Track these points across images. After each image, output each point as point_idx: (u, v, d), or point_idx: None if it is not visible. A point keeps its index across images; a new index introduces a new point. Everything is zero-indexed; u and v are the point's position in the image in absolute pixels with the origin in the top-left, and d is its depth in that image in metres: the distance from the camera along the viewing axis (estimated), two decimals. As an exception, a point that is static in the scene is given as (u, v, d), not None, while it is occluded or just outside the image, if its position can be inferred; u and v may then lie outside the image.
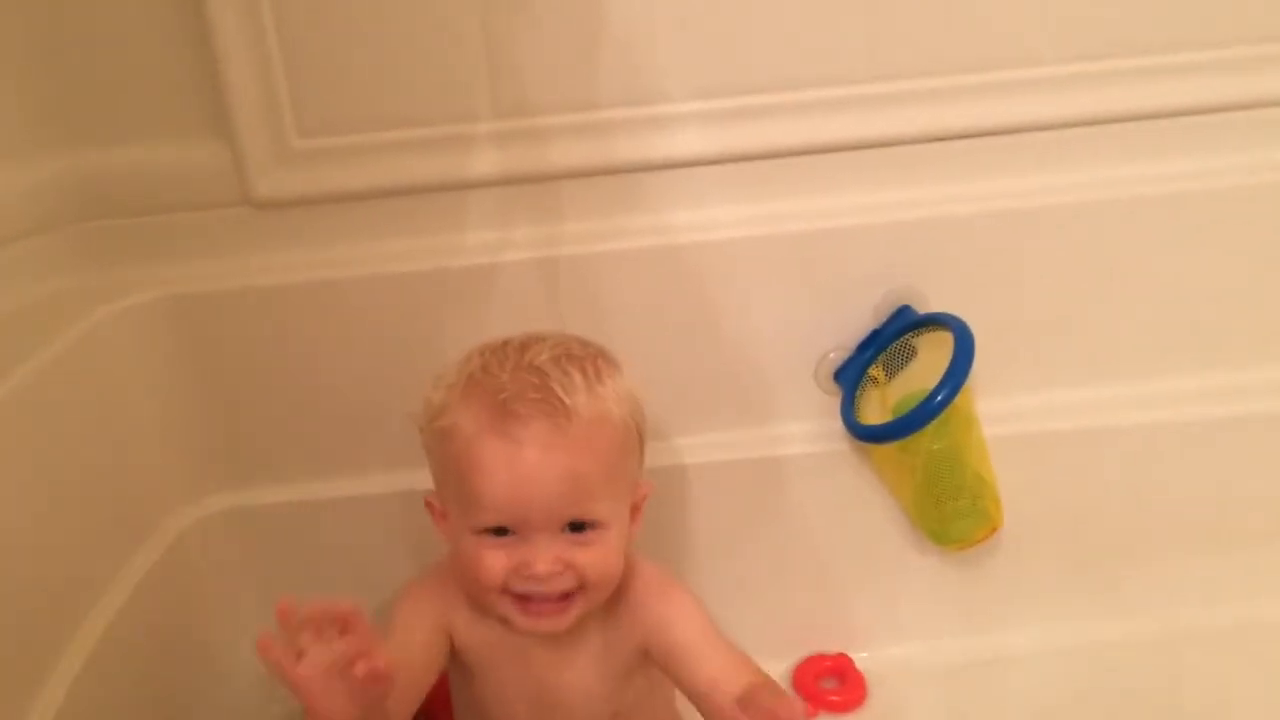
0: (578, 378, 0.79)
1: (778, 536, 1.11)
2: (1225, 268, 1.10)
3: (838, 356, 1.09)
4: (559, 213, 1.05)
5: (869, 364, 1.07)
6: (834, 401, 1.09)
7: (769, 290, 1.06)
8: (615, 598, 0.86)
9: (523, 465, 0.76)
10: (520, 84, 1.00)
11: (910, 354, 1.06)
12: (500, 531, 0.78)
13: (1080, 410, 1.11)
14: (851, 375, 1.08)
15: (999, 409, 1.07)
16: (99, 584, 0.92)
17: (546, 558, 0.77)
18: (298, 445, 1.07)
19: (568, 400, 0.77)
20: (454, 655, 0.88)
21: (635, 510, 0.85)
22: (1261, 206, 1.08)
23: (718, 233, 1.05)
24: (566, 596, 0.79)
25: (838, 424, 1.08)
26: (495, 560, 0.78)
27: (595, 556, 0.79)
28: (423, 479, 1.03)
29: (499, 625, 0.84)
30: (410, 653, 0.82)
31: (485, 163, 1.02)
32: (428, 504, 0.86)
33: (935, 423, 0.98)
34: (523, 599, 0.79)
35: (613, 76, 1.01)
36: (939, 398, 0.97)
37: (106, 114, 1.00)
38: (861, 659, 1.15)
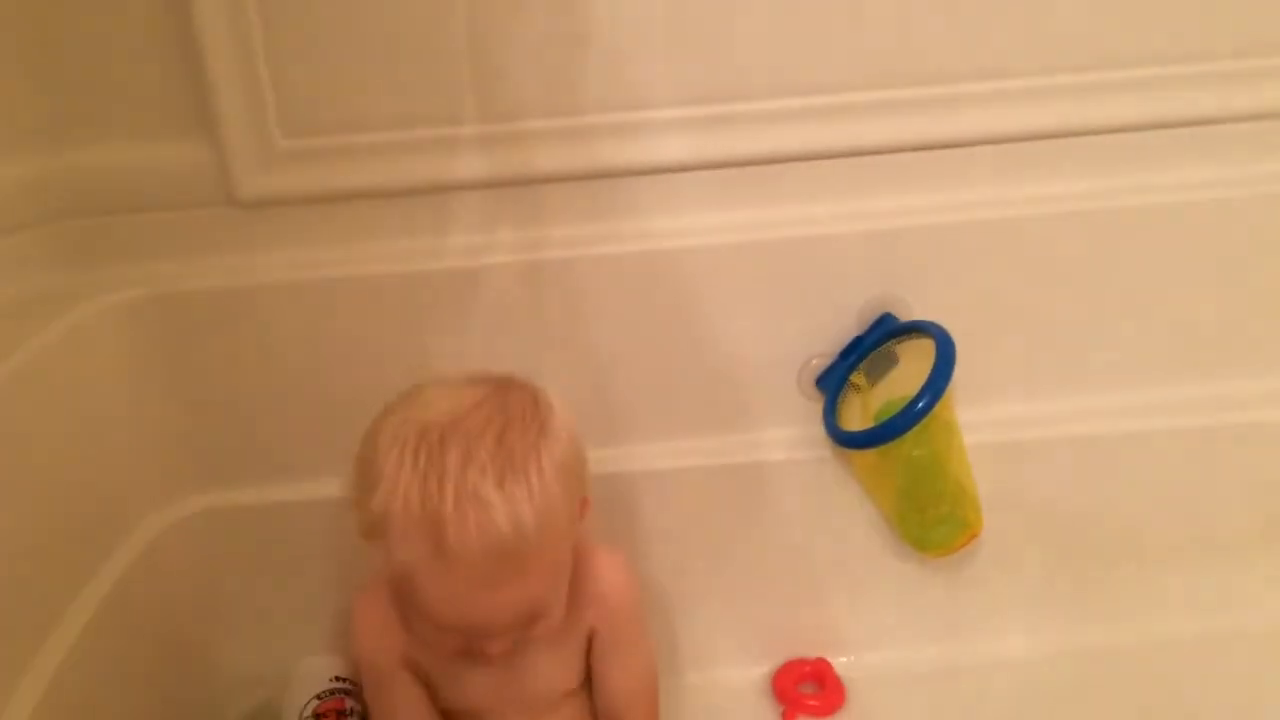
0: (520, 490, 0.75)
1: (759, 542, 1.11)
2: (1206, 279, 1.11)
3: (820, 363, 1.09)
4: (542, 217, 1.05)
5: (851, 370, 1.07)
6: (816, 408, 1.10)
7: (752, 296, 1.06)
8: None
9: (472, 607, 0.76)
10: (505, 88, 1.00)
11: (892, 361, 1.06)
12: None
13: (1061, 419, 1.12)
14: (834, 382, 1.08)
15: (980, 417, 1.08)
16: (76, 583, 0.92)
17: (500, 644, 0.80)
18: (277, 446, 1.07)
19: (510, 531, 0.74)
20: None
21: (580, 514, 0.84)
22: (1246, 219, 1.09)
23: (701, 238, 1.05)
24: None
25: (819, 430, 1.08)
26: (450, 641, 0.80)
27: (542, 628, 0.82)
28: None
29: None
30: (412, 705, 0.90)
31: (469, 166, 1.02)
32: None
33: (916, 429, 0.98)
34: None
35: (598, 81, 1.01)
36: (920, 404, 0.97)
37: (90, 112, 0.99)
38: (841, 664, 1.15)
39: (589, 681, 0.96)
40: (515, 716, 0.93)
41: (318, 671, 1.07)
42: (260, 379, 1.04)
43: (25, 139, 0.98)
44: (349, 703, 1.04)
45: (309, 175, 1.01)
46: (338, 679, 1.06)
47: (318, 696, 1.04)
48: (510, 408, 0.80)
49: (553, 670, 0.92)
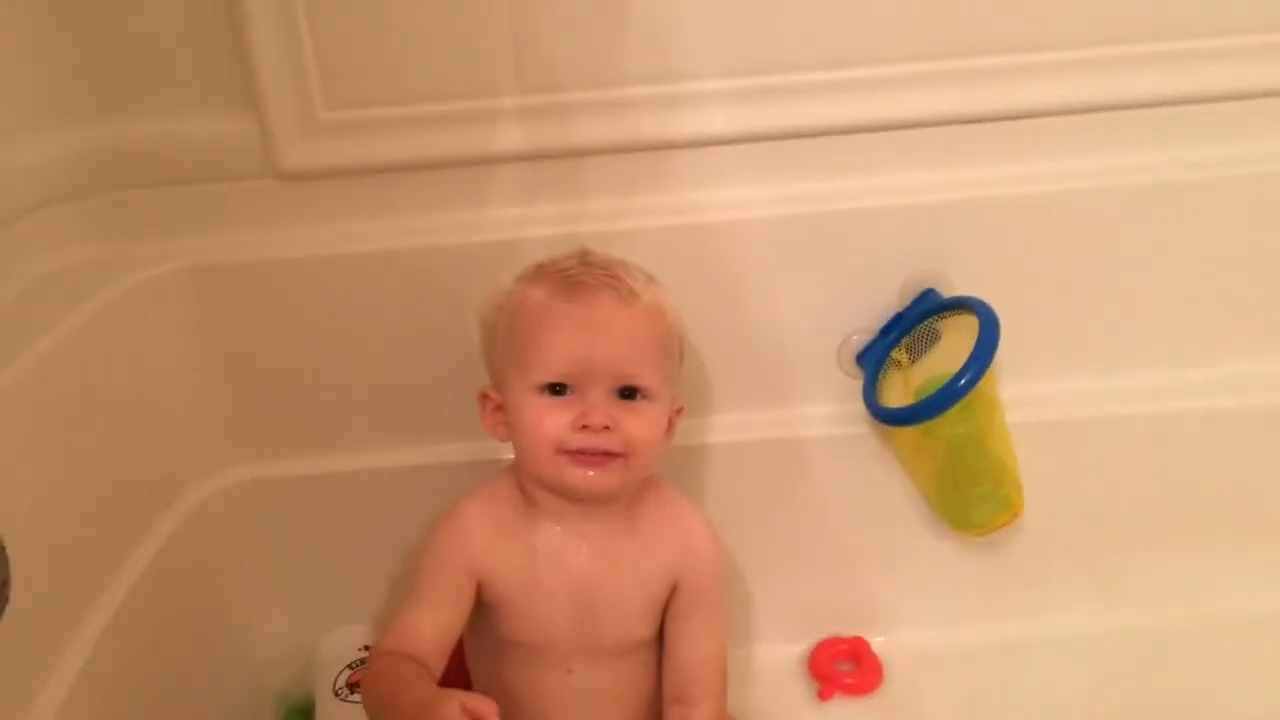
0: (639, 274, 0.89)
1: (797, 518, 1.11)
2: (1255, 256, 1.09)
3: (861, 339, 1.09)
4: (582, 189, 1.05)
5: (892, 347, 1.07)
6: (856, 384, 1.09)
7: (792, 271, 1.06)
8: (643, 506, 0.92)
9: (590, 321, 0.85)
10: (546, 59, 1.00)
11: (934, 338, 1.05)
12: (559, 390, 0.85)
13: (1105, 398, 1.11)
14: (874, 358, 1.08)
15: (1023, 394, 1.06)
16: (120, 552, 0.93)
17: (601, 411, 0.84)
18: (319, 417, 1.07)
19: (630, 283, 0.87)
20: (486, 599, 0.90)
21: (670, 425, 0.91)
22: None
23: (742, 212, 1.04)
24: (610, 457, 0.85)
25: (859, 407, 1.07)
26: (554, 416, 0.84)
27: (641, 424, 0.85)
28: (442, 453, 1.04)
29: (535, 537, 0.90)
30: (443, 616, 0.88)
31: (510, 138, 1.02)
32: (482, 396, 0.91)
33: (958, 407, 0.97)
34: (574, 454, 0.84)
35: (639, 53, 1.00)
36: (963, 381, 0.96)
37: (134, 84, 1.00)
38: (878, 643, 1.15)
39: (658, 644, 0.95)
40: (578, 660, 0.92)
41: (345, 642, 1.08)
42: (302, 351, 1.05)
43: (70, 112, 0.98)
44: (380, 668, 1.05)
45: (351, 147, 1.01)
46: (365, 647, 1.07)
47: (349, 666, 1.05)
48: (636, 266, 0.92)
49: (629, 609, 0.92)
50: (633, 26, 0.99)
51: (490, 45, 0.99)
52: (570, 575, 0.90)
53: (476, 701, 0.69)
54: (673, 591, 0.93)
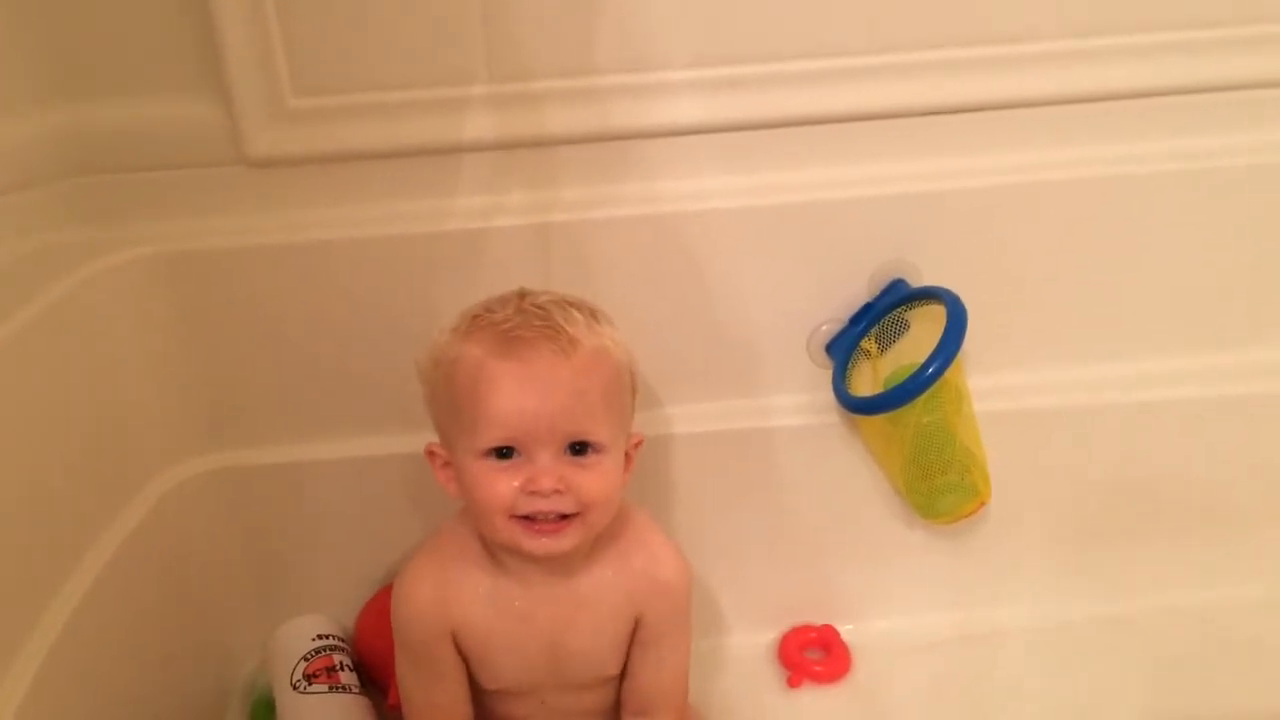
0: (578, 315, 0.83)
1: (767, 507, 1.11)
2: (1221, 248, 1.10)
3: (830, 328, 1.09)
4: (553, 178, 1.05)
5: (861, 336, 1.07)
6: (825, 374, 1.09)
7: (762, 261, 1.06)
8: (605, 539, 0.89)
9: (529, 381, 0.79)
10: (517, 48, 1.00)
11: (903, 327, 1.06)
12: (505, 454, 0.80)
13: (1072, 388, 1.12)
14: (844, 347, 1.08)
15: (990, 384, 1.08)
16: (85, 542, 0.92)
17: (550, 474, 0.79)
18: (287, 406, 1.07)
19: (570, 330, 0.81)
20: (459, 650, 0.90)
21: (628, 458, 0.87)
22: (1260, 187, 1.08)
23: (712, 202, 1.04)
24: (565, 519, 0.81)
25: (829, 396, 1.08)
26: (501, 482, 0.80)
27: (594, 479, 0.81)
28: (411, 442, 1.03)
29: (497, 590, 0.88)
30: (447, 682, 0.90)
31: (480, 126, 1.02)
32: (429, 452, 0.88)
33: (926, 396, 0.98)
34: (527, 521, 0.81)
35: (610, 42, 1.00)
36: (930, 370, 0.97)
37: (101, 69, 0.99)
38: (847, 631, 1.15)
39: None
40: (550, 694, 0.92)
41: (298, 634, 1.07)
42: (268, 339, 1.04)
43: (37, 96, 0.97)
44: (337, 657, 1.05)
45: (320, 134, 1.01)
46: (320, 636, 1.07)
47: (304, 658, 1.04)
48: (576, 298, 0.87)
49: (597, 652, 0.90)
50: (604, 16, 0.99)
51: (461, 33, 0.99)
52: (535, 627, 0.88)
53: None
54: (638, 622, 0.91)
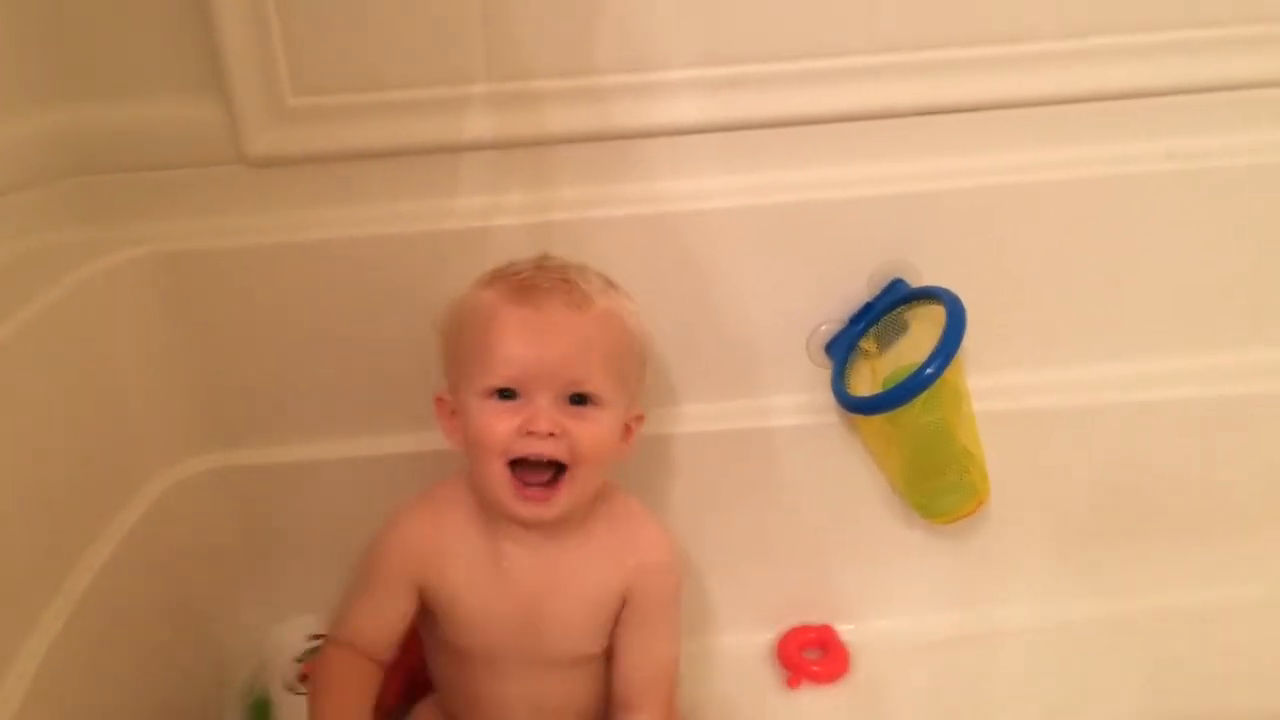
0: (594, 279, 0.88)
1: (765, 507, 1.11)
2: (1220, 248, 1.10)
3: (829, 329, 1.09)
4: (552, 178, 1.05)
5: (860, 336, 1.07)
6: (824, 374, 1.09)
7: (762, 261, 1.06)
8: (597, 518, 0.91)
9: (538, 324, 0.83)
10: (517, 47, 1.00)
11: (902, 328, 1.06)
12: (507, 395, 0.83)
13: (1071, 388, 1.12)
14: (843, 347, 1.08)
15: (989, 384, 1.07)
16: (83, 540, 0.92)
17: (547, 417, 0.82)
18: (285, 406, 1.07)
19: (584, 287, 0.85)
20: (430, 604, 0.90)
21: (628, 431, 0.90)
22: (1260, 187, 1.08)
23: (711, 202, 1.04)
24: (555, 482, 0.84)
25: (828, 396, 1.08)
26: (500, 421, 0.82)
27: (590, 430, 0.83)
28: (411, 441, 1.04)
29: (484, 546, 0.89)
30: (383, 614, 0.89)
31: (480, 125, 1.02)
32: (437, 399, 0.90)
33: (925, 396, 0.98)
34: (518, 480, 0.83)
35: (610, 42, 1.00)
36: (929, 370, 0.97)
37: (101, 69, 0.99)
38: (846, 631, 1.15)
39: (605, 660, 0.94)
40: (525, 670, 0.91)
41: (292, 635, 1.07)
42: (268, 338, 1.04)
43: (37, 96, 0.97)
44: (331, 656, 1.04)
45: (319, 134, 1.01)
46: (314, 636, 1.06)
47: (298, 659, 1.04)
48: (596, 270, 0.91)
49: (576, 627, 0.91)
50: (604, 15, 0.99)
51: (461, 32, 0.99)
52: (516, 588, 0.89)
53: None
54: (623, 603, 0.92)
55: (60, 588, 0.87)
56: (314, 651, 1.04)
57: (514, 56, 1.00)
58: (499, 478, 0.83)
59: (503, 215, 1.03)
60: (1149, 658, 1.10)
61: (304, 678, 1.02)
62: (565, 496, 0.84)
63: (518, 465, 0.84)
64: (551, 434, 0.82)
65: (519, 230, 1.02)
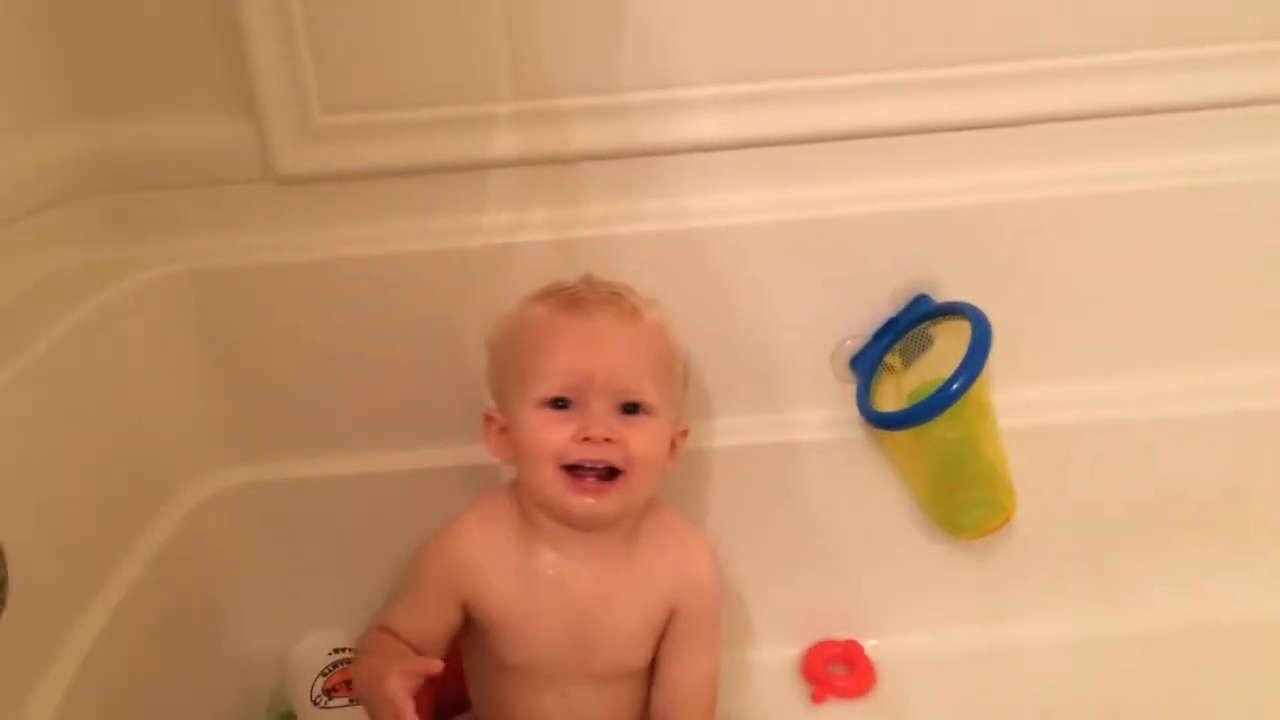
0: (641, 298, 0.90)
1: (791, 522, 1.11)
2: (1248, 262, 1.10)
3: (854, 344, 1.09)
4: (577, 195, 1.05)
5: (885, 352, 1.07)
6: (849, 389, 1.09)
7: (786, 276, 1.06)
8: (644, 532, 0.92)
9: (591, 335, 0.85)
10: (541, 65, 1.00)
11: (927, 343, 1.05)
12: (561, 405, 0.85)
13: (1097, 403, 1.11)
14: (867, 363, 1.08)
15: (1014, 399, 1.07)
16: (115, 554, 0.93)
17: (603, 423, 0.83)
18: (315, 421, 1.08)
19: (632, 302, 0.89)
20: (476, 617, 0.91)
21: (674, 446, 0.91)
22: (1286, 202, 1.08)
23: (736, 218, 1.05)
24: (609, 480, 0.85)
25: (853, 411, 1.08)
26: (555, 430, 0.84)
27: (643, 437, 0.85)
28: (437, 457, 1.04)
29: (531, 557, 0.90)
30: (424, 618, 0.90)
31: (505, 143, 1.02)
32: (486, 417, 0.91)
33: (950, 411, 0.98)
34: (574, 476, 0.84)
35: (633, 59, 1.01)
36: (954, 386, 0.96)
37: (132, 88, 1.00)
38: (871, 646, 1.15)
39: (645, 675, 0.95)
40: (568, 684, 0.91)
41: (315, 650, 1.07)
42: (296, 355, 1.05)
43: (68, 114, 0.99)
44: (354, 669, 1.05)
45: (347, 152, 1.02)
46: (336, 650, 1.07)
47: (322, 674, 1.04)
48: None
49: (625, 639, 0.91)
50: (627, 33, 1.00)
51: (486, 51, 1.00)
52: (566, 602, 0.89)
53: (415, 664, 0.75)
54: (670, 617, 0.92)
55: (95, 599, 0.88)
56: (337, 665, 1.05)
57: (538, 74, 1.01)
58: (552, 476, 0.84)
59: (528, 232, 1.03)
60: (1179, 673, 1.09)
61: (329, 692, 1.02)
62: (620, 496, 0.85)
63: (571, 472, 0.85)
64: (607, 439, 0.83)
65: (545, 247, 1.02)
